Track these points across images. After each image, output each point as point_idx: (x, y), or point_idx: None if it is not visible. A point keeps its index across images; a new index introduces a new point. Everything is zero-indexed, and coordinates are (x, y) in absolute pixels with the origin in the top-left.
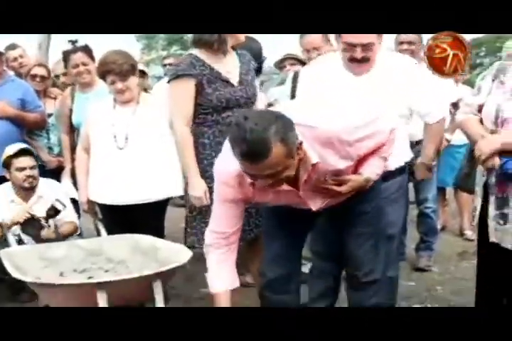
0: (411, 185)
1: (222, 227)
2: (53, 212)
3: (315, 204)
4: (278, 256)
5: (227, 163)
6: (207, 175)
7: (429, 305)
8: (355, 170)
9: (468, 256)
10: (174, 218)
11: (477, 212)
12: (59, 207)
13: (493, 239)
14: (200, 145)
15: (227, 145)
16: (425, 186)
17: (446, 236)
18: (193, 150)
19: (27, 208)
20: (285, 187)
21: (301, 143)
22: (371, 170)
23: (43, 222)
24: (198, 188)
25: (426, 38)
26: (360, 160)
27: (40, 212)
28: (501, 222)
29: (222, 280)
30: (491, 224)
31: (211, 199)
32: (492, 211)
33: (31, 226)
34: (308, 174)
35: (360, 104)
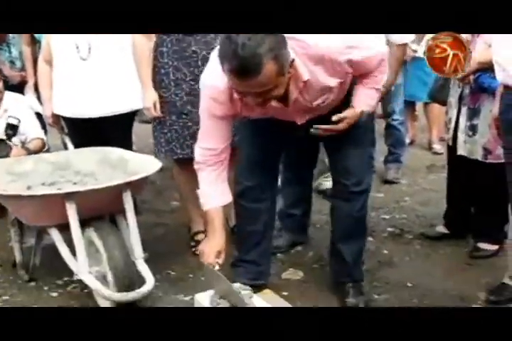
0: None
1: (212, 143)
2: (11, 130)
3: (301, 119)
4: (255, 164)
5: (216, 77)
6: (163, 84)
7: (396, 216)
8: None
9: (436, 168)
10: (143, 134)
11: (453, 123)
12: (13, 122)
13: (460, 152)
14: (159, 53)
15: (215, 60)
16: (393, 99)
17: (414, 150)
18: (146, 60)
19: None
20: (274, 103)
21: (293, 61)
22: (366, 103)
23: (8, 143)
24: (148, 99)
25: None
26: (355, 91)
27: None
28: (470, 133)
29: (214, 198)
30: (461, 136)
31: (163, 110)
32: (463, 122)
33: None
34: (298, 91)
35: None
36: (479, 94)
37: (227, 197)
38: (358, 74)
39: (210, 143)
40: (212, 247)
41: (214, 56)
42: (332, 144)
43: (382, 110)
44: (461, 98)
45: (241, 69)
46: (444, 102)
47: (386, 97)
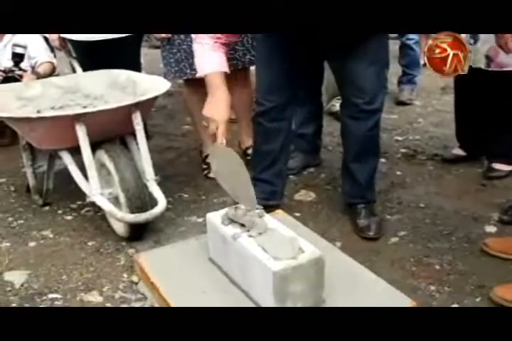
0: None
1: None
2: (18, 57)
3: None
4: (275, 83)
5: None
6: None
7: (410, 137)
8: None
9: (451, 90)
10: (152, 60)
11: None
12: (19, 50)
13: None
14: None
15: None
16: None
17: (429, 72)
18: None
19: None
20: None
21: None
22: None
23: (16, 71)
24: None
25: None
26: None
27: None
28: (472, 41)
29: (215, 63)
30: None
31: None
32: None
33: (10, 81)
34: None
35: None
36: None
37: (224, 66)
38: None
39: None
40: (220, 111)
41: None
42: (343, 63)
43: None
44: None
45: None
46: None
47: None
